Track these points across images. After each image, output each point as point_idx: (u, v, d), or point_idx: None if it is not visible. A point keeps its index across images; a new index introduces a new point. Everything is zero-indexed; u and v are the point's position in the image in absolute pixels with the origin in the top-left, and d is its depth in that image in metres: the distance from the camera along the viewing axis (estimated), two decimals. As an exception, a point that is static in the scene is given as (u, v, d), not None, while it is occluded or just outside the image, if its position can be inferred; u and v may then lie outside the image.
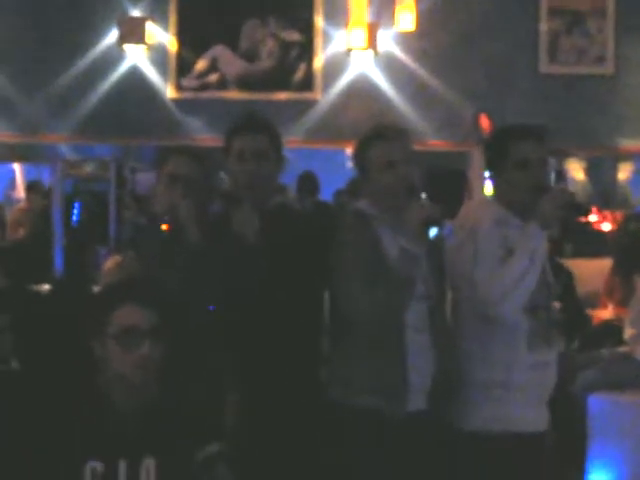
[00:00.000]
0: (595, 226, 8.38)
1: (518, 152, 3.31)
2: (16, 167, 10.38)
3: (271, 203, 3.47)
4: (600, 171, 9.10)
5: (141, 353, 2.78)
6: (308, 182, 8.29)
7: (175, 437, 2.81)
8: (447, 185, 6.53)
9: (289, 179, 7.85)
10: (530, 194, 3.26)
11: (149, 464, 2.79)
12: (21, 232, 9.35)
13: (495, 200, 3.39)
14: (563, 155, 8.45)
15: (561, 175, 8.84)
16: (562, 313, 6.25)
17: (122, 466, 2.78)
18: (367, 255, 3.23)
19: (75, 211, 9.52)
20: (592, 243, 8.00)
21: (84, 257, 7.06)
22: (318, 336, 3.43)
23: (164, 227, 3.34)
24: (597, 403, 5.55)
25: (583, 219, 8.29)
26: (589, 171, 8.92)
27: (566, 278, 6.67)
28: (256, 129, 3.47)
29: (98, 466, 2.77)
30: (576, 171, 8.92)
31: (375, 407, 3.21)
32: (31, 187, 9.80)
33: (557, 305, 6.11)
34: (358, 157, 3.39)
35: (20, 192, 10.10)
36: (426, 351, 3.28)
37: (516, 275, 3.14)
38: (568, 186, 8.81)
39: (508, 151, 3.32)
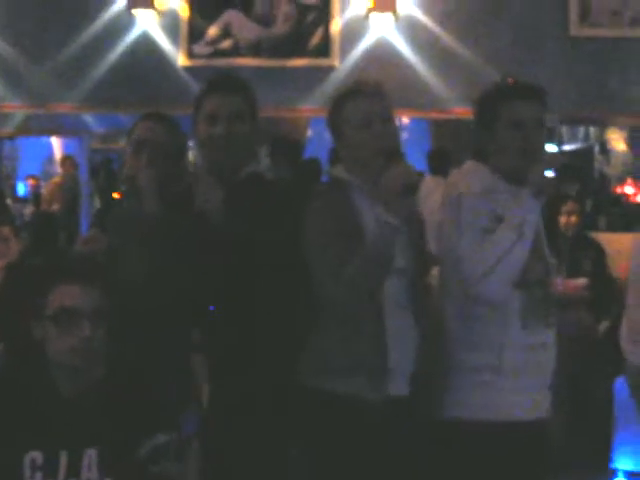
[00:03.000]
0: (631, 199, 8.08)
1: (510, 112, 3.01)
2: (54, 141, 10.38)
3: (243, 173, 3.18)
4: (641, 141, 8.76)
5: (81, 336, 2.59)
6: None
7: (119, 427, 2.63)
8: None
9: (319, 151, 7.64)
10: (523, 159, 2.97)
11: (91, 455, 2.62)
12: (55, 207, 9.34)
13: (484, 166, 3.08)
14: (602, 124, 8.16)
15: (604, 147, 8.57)
16: (590, 290, 6.02)
17: (63, 457, 2.61)
18: (339, 228, 2.93)
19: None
20: (627, 216, 7.72)
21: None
22: (294, 319, 3.13)
23: (115, 195, 3.12)
24: (624, 388, 5.33)
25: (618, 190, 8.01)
26: (631, 141, 8.60)
27: (596, 253, 6.41)
28: (230, 89, 3.18)
29: (38, 457, 2.60)
30: (616, 141, 8.63)
31: (351, 392, 2.93)
32: (63, 161, 9.80)
33: (584, 281, 5.92)
34: (332, 117, 3.10)
35: (58, 166, 10.10)
36: (407, 330, 3.02)
37: (501, 249, 2.85)
38: (611, 158, 8.54)
39: (499, 111, 3.03)
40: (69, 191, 9.31)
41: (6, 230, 5.60)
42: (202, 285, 3.04)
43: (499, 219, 2.92)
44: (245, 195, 3.08)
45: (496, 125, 3.06)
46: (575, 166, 8.07)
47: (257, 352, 3.05)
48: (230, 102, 3.14)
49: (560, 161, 2.97)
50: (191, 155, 3.35)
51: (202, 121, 3.16)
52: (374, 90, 3.08)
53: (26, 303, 2.80)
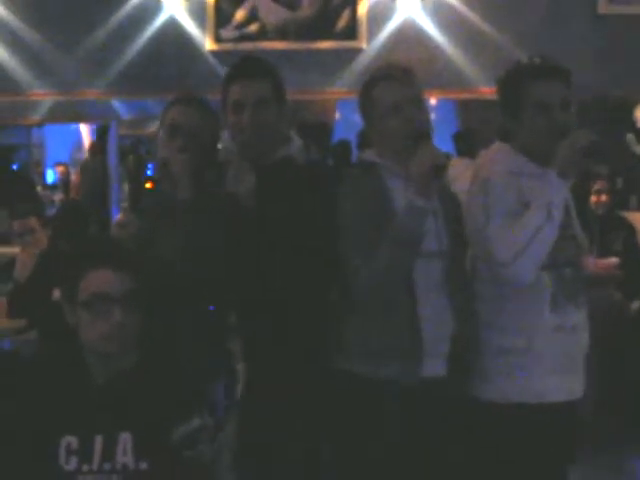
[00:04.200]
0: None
1: (535, 93, 2.99)
2: (82, 128, 10.39)
3: (274, 157, 3.16)
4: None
5: (112, 321, 2.57)
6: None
7: (153, 411, 2.61)
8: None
9: (347, 133, 7.63)
10: (552, 140, 2.94)
11: (126, 439, 2.60)
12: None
13: (512, 147, 3.06)
14: (631, 103, 8.07)
15: (634, 126, 8.46)
16: (621, 270, 5.98)
17: (98, 441, 2.60)
18: (371, 212, 2.94)
19: (148, 172, 9.45)
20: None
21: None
22: (325, 302, 3.13)
23: (148, 185, 3.10)
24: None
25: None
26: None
27: (627, 232, 6.37)
28: (255, 74, 3.13)
29: (73, 441, 2.60)
30: (646, 120, 8.52)
31: (384, 376, 2.94)
32: (90, 148, 9.82)
33: (614, 261, 5.88)
34: (363, 101, 3.09)
35: (86, 153, 10.10)
36: (441, 312, 3.00)
37: (530, 232, 2.82)
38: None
39: (523, 92, 3.00)
40: (94, 176, 9.32)
41: (33, 221, 5.62)
42: (234, 269, 3.04)
43: (526, 204, 2.91)
44: (276, 179, 3.07)
45: (521, 106, 3.03)
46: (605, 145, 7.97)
47: (288, 335, 3.05)
48: (255, 88, 3.10)
49: (590, 139, 2.90)
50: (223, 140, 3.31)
51: (229, 108, 3.14)
52: (404, 74, 3.06)
53: (59, 290, 2.81)
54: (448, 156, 2.90)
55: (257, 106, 3.08)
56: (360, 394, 2.98)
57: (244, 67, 3.18)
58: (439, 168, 2.82)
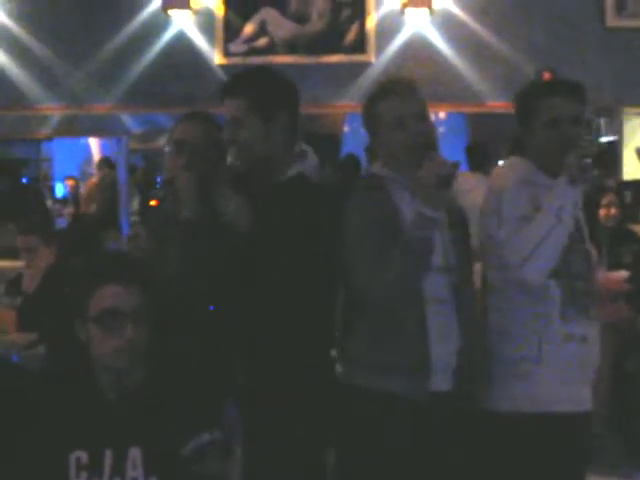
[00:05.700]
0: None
1: (548, 109, 3.03)
2: (92, 142, 10.40)
3: (287, 174, 3.13)
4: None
5: (123, 337, 2.57)
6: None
7: (163, 426, 2.61)
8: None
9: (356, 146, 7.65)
10: (562, 154, 2.96)
11: (135, 453, 2.60)
12: (93, 208, 9.38)
13: (525, 160, 3.09)
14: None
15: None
16: (631, 283, 5.96)
17: (108, 456, 2.60)
18: (379, 225, 2.94)
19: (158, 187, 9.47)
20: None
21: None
22: (330, 316, 3.14)
23: (152, 202, 3.11)
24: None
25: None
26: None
27: (637, 246, 6.35)
28: (229, 93, 3.11)
29: (83, 456, 2.60)
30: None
31: (392, 390, 2.94)
32: (101, 162, 9.83)
33: (624, 274, 5.86)
34: (367, 116, 3.10)
35: (95, 168, 10.10)
36: (449, 326, 3.01)
37: (540, 234, 2.86)
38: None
39: (537, 108, 3.05)
40: (105, 193, 9.33)
41: (34, 239, 5.60)
42: (236, 276, 3.04)
43: (538, 210, 2.94)
44: (286, 198, 3.06)
45: (533, 122, 3.08)
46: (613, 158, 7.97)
47: (291, 349, 3.04)
48: (229, 106, 3.08)
49: (596, 148, 2.95)
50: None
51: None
52: (407, 88, 3.07)
53: (68, 305, 2.81)
54: (456, 164, 2.90)
55: (230, 125, 3.07)
56: (368, 407, 2.98)
57: (224, 86, 3.17)
58: (446, 177, 2.82)
